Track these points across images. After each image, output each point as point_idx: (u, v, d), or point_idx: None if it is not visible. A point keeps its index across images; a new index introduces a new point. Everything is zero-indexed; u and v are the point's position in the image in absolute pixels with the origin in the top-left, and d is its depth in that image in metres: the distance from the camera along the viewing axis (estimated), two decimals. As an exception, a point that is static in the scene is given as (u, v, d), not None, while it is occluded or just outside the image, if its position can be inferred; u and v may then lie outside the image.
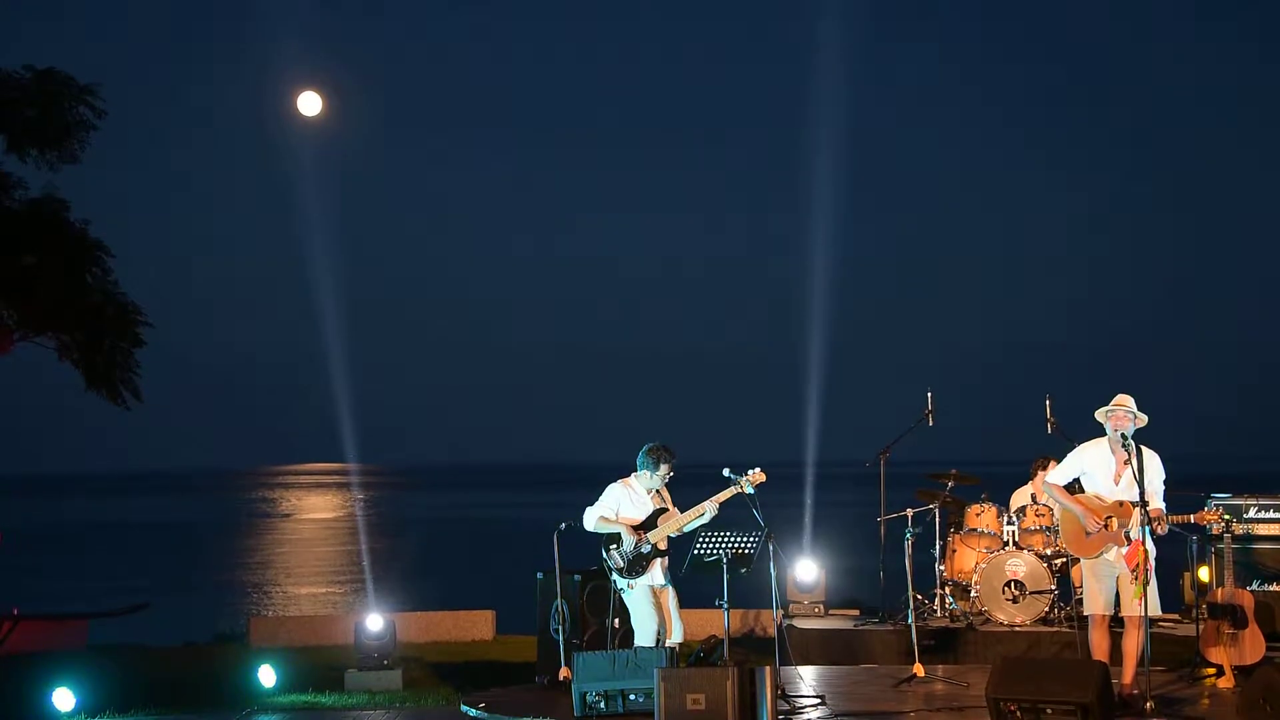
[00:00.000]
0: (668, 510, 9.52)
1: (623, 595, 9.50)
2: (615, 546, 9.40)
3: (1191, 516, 9.27)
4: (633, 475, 9.63)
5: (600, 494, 9.62)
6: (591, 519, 9.52)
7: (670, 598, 9.54)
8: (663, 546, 9.44)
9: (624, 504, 9.51)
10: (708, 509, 9.36)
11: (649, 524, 9.44)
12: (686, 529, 9.42)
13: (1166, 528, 8.97)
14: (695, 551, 9.20)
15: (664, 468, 9.53)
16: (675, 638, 9.46)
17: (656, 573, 9.43)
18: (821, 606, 13.27)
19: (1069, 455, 9.38)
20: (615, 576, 9.46)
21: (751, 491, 9.27)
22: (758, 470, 9.29)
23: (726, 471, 9.34)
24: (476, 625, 15.36)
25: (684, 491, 9.67)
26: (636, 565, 9.36)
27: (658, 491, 9.60)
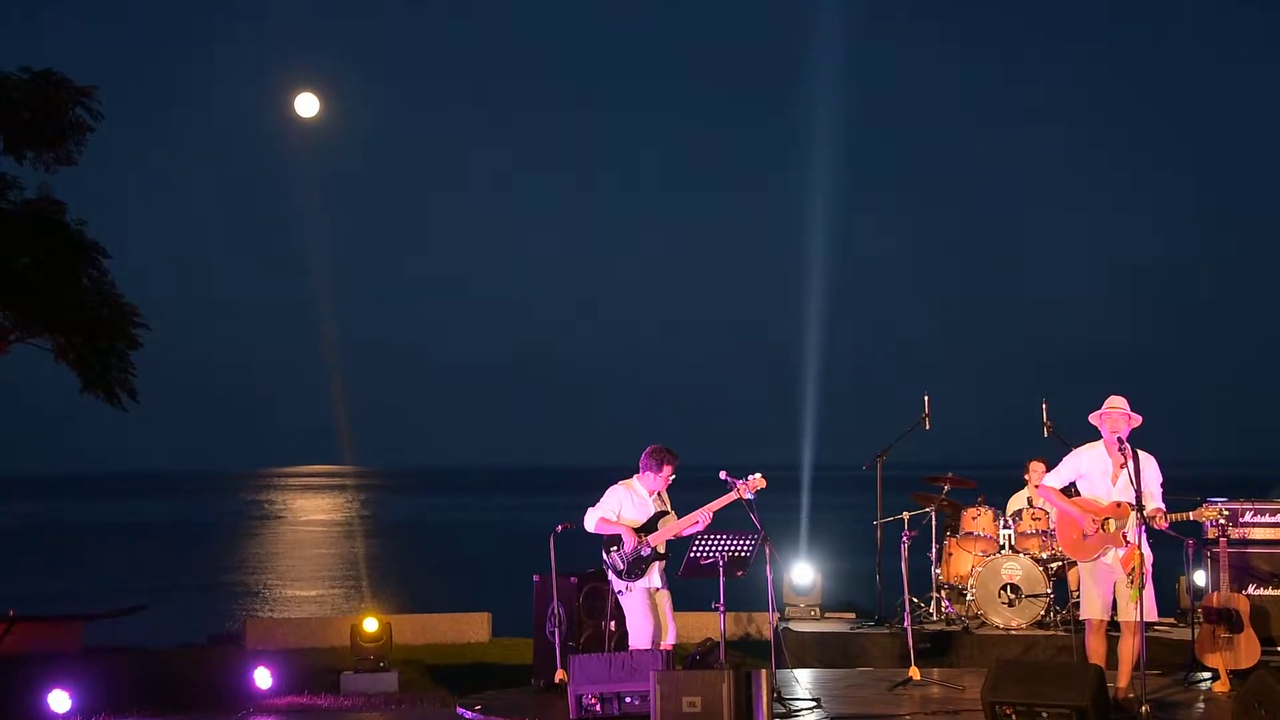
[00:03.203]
0: (668, 514, 9.51)
1: (619, 597, 9.49)
2: (615, 549, 9.38)
3: (1190, 514, 9.28)
4: (635, 477, 9.60)
5: (600, 496, 9.60)
6: (592, 520, 9.49)
7: (665, 600, 9.53)
8: (662, 550, 9.43)
9: (625, 506, 9.48)
10: (701, 519, 9.34)
11: (649, 527, 9.41)
12: (682, 535, 9.40)
13: (1166, 523, 8.96)
14: (691, 554, 9.19)
15: (667, 469, 9.51)
16: (669, 639, 9.46)
17: (655, 576, 9.41)
18: (817, 609, 13.28)
19: (1065, 458, 9.38)
20: (613, 578, 9.44)
21: (750, 497, 9.25)
22: (758, 476, 9.26)
23: (723, 474, 9.32)
24: (472, 627, 15.37)
25: (683, 494, 9.66)
26: (636, 568, 9.33)
27: (659, 494, 9.59)
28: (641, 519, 9.44)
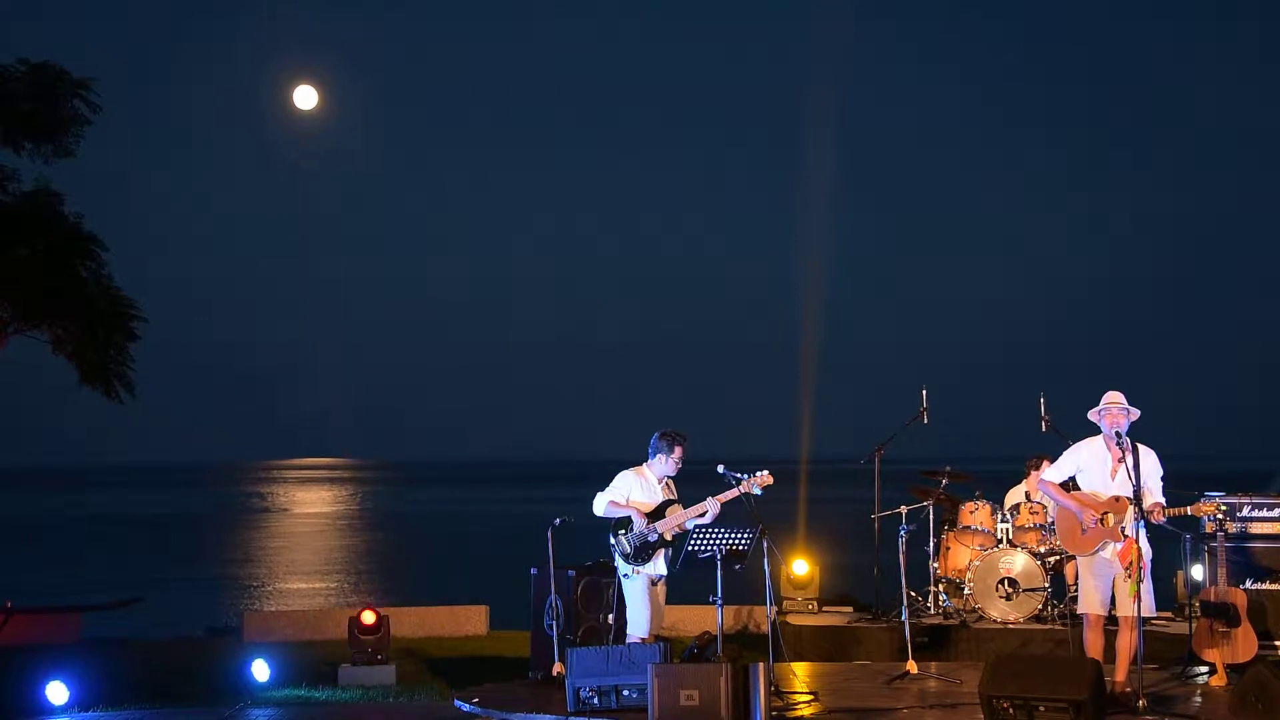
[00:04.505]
0: (676, 502, 9.51)
1: (623, 582, 9.47)
2: (624, 532, 9.37)
3: (1189, 509, 9.28)
4: (645, 464, 9.61)
5: (604, 483, 9.59)
6: (601, 504, 9.48)
7: (662, 590, 9.54)
8: (669, 537, 9.42)
9: (635, 491, 9.48)
10: (709, 508, 9.33)
11: (657, 514, 9.41)
12: (687, 525, 9.38)
13: (1164, 517, 8.97)
14: (689, 547, 9.18)
15: (678, 451, 9.52)
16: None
17: (660, 563, 9.41)
18: (815, 603, 13.28)
19: (1065, 453, 9.39)
20: (620, 562, 9.43)
21: (759, 492, 9.25)
22: (765, 473, 9.26)
23: (720, 468, 9.31)
24: (470, 620, 15.37)
25: (682, 487, 9.66)
26: (643, 553, 9.33)
27: (668, 484, 9.59)
28: (652, 504, 9.44)
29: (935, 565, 12.76)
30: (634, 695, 8.69)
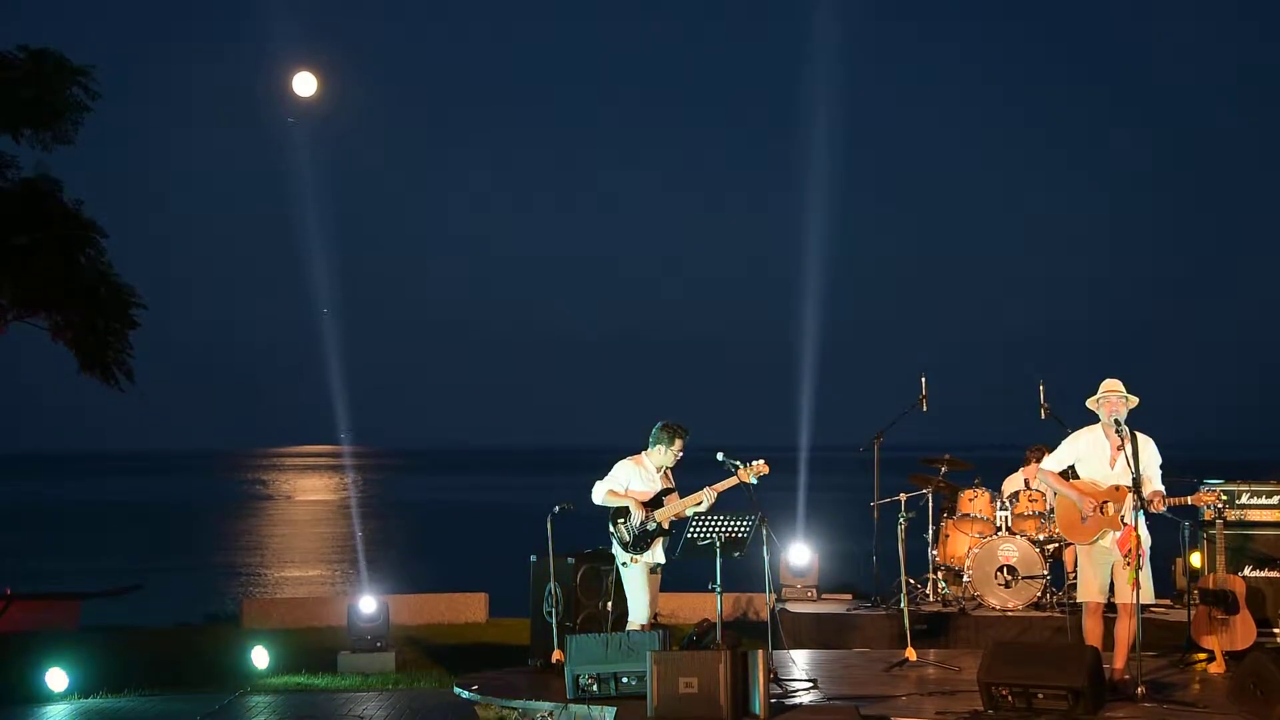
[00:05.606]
0: (674, 491, 9.52)
1: (622, 570, 9.49)
2: (623, 521, 9.38)
3: (1189, 498, 9.28)
4: (644, 453, 9.61)
5: (604, 472, 9.59)
6: (600, 492, 9.49)
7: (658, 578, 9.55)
8: (666, 526, 9.43)
9: (633, 480, 9.48)
10: (705, 498, 9.33)
11: (655, 503, 9.42)
12: (686, 513, 9.39)
13: (1164, 506, 8.97)
14: (688, 535, 9.18)
15: (678, 443, 9.52)
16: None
17: (658, 551, 9.42)
18: (814, 591, 13.30)
19: (1064, 442, 9.38)
20: (618, 550, 9.44)
21: (755, 481, 9.25)
22: (761, 462, 9.26)
23: (720, 456, 9.31)
24: (470, 608, 15.40)
25: (681, 475, 9.66)
26: (641, 541, 9.34)
27: (665, 473, 9.59)
28: (650, 493, 9.44)
29: (934, 553, 12.78)
30: (633, 682, 8.69)
